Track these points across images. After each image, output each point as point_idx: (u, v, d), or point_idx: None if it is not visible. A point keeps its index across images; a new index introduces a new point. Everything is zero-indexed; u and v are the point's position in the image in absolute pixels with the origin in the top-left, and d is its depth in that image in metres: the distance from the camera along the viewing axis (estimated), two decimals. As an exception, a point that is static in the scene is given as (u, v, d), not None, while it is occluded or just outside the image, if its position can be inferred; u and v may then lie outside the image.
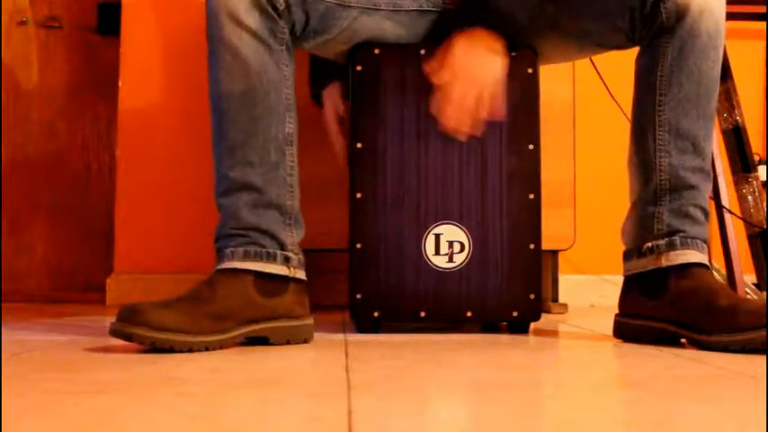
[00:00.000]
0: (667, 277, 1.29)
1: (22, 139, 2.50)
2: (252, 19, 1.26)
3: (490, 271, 1.46)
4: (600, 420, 0.73)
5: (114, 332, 1.12)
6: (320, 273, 2.07)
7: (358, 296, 1.45)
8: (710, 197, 1.42)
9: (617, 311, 1.37)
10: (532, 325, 1.51)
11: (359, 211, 1.46)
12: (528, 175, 1.48)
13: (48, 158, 2.51)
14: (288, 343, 1.27)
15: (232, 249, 1.26)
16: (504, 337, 1.42)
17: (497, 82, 1.36)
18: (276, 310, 1.26)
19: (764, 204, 1.99)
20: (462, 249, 1.46)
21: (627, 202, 1.40)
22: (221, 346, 1.19)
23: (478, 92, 1.34)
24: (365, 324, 1.46)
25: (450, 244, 1.46)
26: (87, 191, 2.51)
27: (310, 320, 1.32)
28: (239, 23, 1.25)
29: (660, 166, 1.31)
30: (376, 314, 1.44)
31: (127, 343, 1.14)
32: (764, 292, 1.95)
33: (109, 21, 2.47)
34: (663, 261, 1.29)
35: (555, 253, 2.09)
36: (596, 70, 1.80)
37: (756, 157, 2.06)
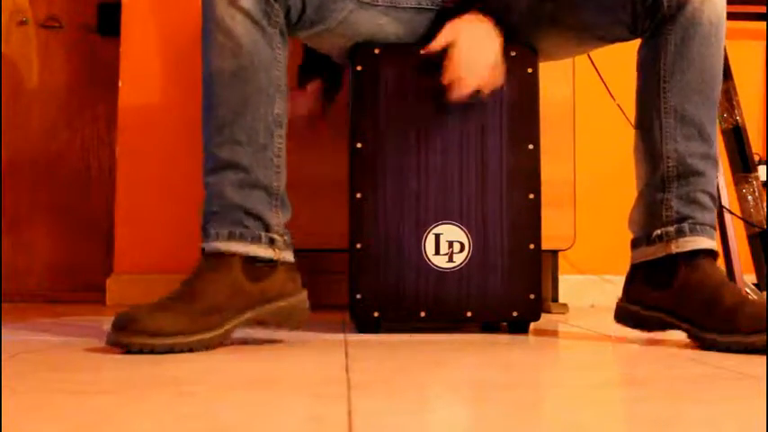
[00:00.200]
0: (676, 266, 1.28)
1: (22, 139, 2.50)
2: (246, 0, 1.26)
3: (490, 271, 1.46)
4: (600, 420, 0.73)
5: (112, 343, 1.12)
6: (320, 273, 2.07)
7: (358, 296, 1.45)
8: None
9: (619, 297, 1.37)
10: (532, 325, 1.51)
11: (359, 211, 1.46)
12: (528, 174, 1.48)
13: (48, 158, 2.50)
14: (280, 326, 1.27)
15: (217, 231, 1.26)
16: (504, 337, 1.42)
17: (497, 53, 1.40)
18: (266, 292, 1.26)
19: (764, 204, 1.99)
20: (462, 249, 1.46)
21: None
22: (221, 341, 1.20)
23: (479, 55, 1.37)
24: (365, 324, 1.46)
25: (450, 244, 1.46)
26: (87, 191, 2.51)
27: (303, 294, 1.31)
28: (233, 3, 1.25)
29: (667, 153, 1.31)
30: (376, 314, 1.44)
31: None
32: (764, 292, 1.95)
33: (109, 21, 2.47)
34: (673, 248, 1.29)
35: (555, 253, 2.09)
36: (596, 70, 1.80)
37: (756, 157, 2.06)
